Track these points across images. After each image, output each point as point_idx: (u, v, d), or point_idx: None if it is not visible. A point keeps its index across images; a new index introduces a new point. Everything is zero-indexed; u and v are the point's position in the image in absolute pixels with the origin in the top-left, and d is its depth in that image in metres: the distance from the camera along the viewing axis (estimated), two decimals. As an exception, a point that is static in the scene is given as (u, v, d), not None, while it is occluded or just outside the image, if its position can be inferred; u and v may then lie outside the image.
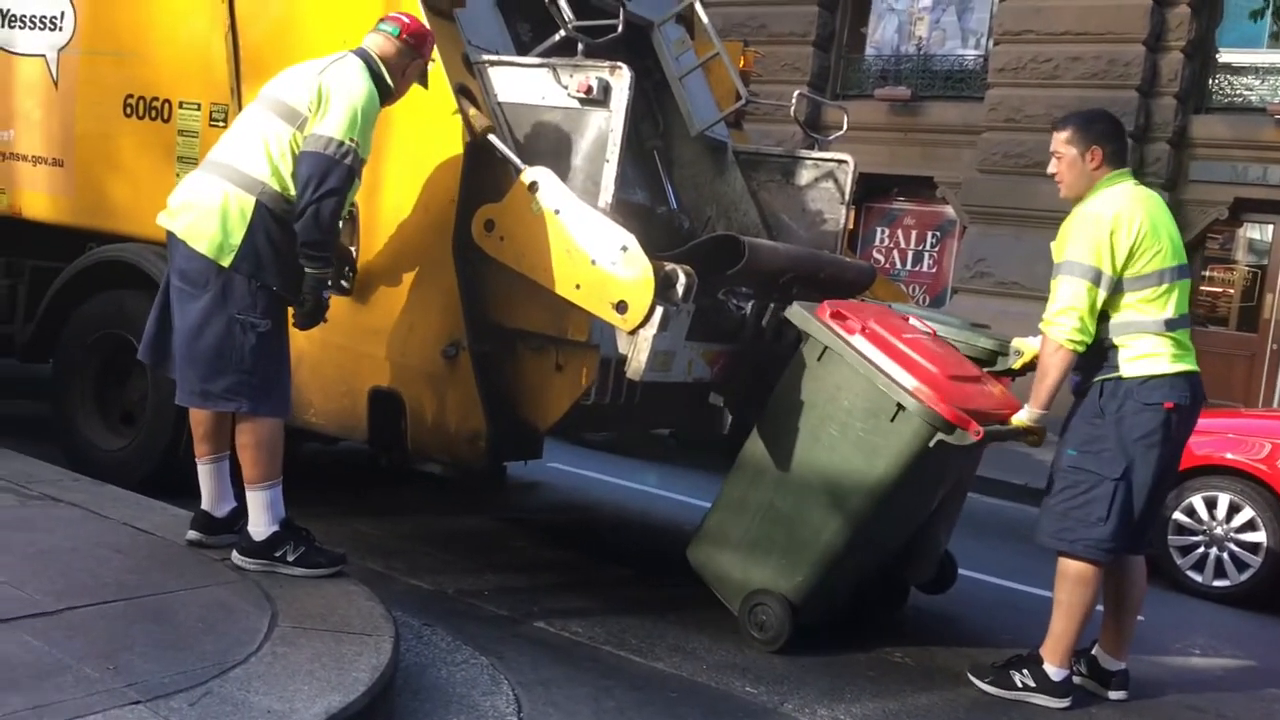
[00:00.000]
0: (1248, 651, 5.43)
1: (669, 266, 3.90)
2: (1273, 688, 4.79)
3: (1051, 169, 4.20)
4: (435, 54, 4.12)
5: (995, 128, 13.65)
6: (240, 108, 4.53)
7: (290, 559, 3.72)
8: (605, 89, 4.16)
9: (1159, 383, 3.94)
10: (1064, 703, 4.06)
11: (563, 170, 4.20)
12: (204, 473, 3.90)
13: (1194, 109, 13.46)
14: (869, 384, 4.08)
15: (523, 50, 4.85)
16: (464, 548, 5.19)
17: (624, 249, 3.84)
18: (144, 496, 4.41)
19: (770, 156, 5.87)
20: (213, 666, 2.89)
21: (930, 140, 14.67)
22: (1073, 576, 4.02)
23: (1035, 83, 13.45)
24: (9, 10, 5.52)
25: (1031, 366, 4.30)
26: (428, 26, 4.06)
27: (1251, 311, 13.43)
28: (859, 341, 4.12)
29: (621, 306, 3.82)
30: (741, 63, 6.20)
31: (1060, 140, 4.16)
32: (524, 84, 4.39)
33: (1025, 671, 4.11)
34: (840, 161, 5.61)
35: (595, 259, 3.89)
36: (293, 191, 3.68)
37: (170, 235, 3.78)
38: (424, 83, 4.07)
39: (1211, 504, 6.53)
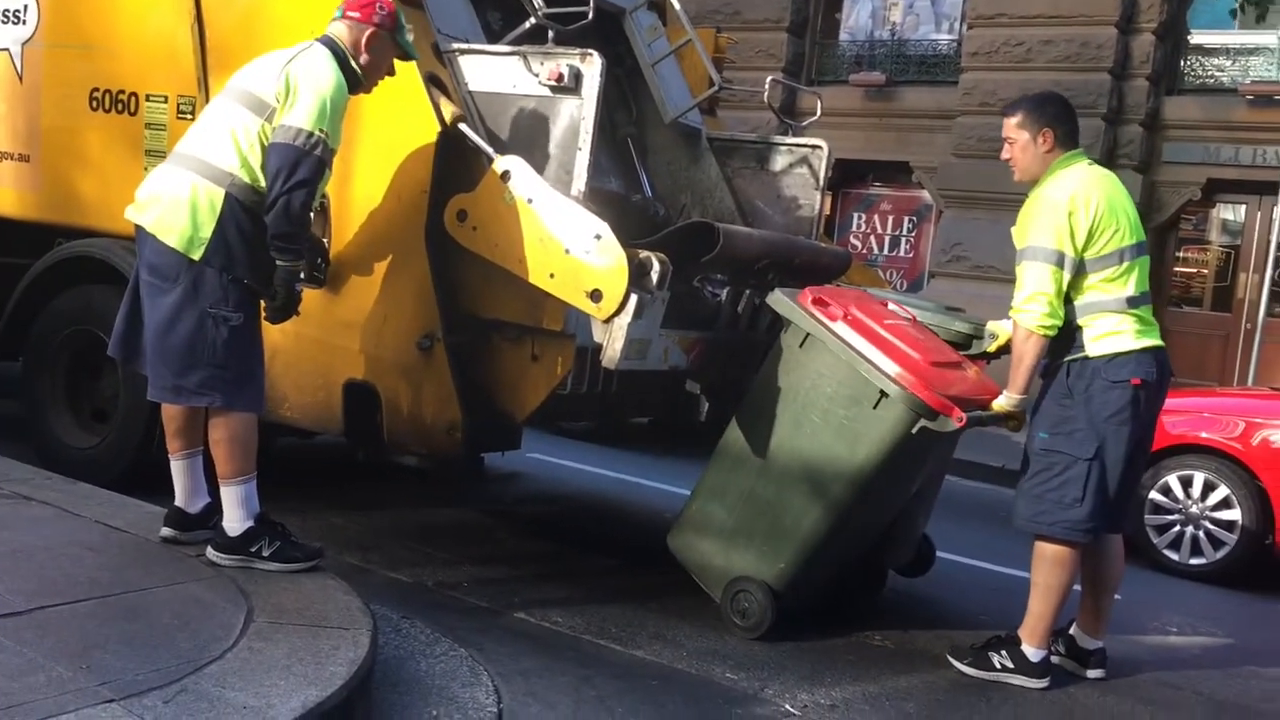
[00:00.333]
0: (1224, 628, 5.48)
1: (643, 254, 3.88)
2: (1249, 664, 4.83)
3: (1004, 154, 4.22)
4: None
5: (969, 112, 13.68)
6: (208, 99, 4.49)
7: (266, 554, 3.69)
8: (576, 76, 4.14)
9: (1125, 360, 3.96)
10: (1042, 683, 4.09)
11: (535, 159, 4.18)
12: (177, 469, 3.86)
13: (1166, 91, 13.52)
14: (851, 371, 4.08)
15: (493, 39, 4.81)
16: (443, 540, 5.17)
17: (597, 237, 3.83)
18: (117, 494, 4.37)
19: (744, 143, 5.86)
20: (187, 663, 2.86)
21: (905, 125, 14.69)
22: (1050, 558, 4.04)
23: (1008, 66, 13.48)
24: (-29, 5, 5.45)
25: (1007, 349, 4.31)
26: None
27: (1225, 291, 13.53)
28: (841, 328, 4.12)
29: (596, 295, 3.80)
30: (714, 49, 6.19)
31: (1011, 125, 4.17)
32: (495, 72, 4.36)
33: (1004, 653, 4.13)
34: (815, 147, 5.60)
35: (569, 248, 3.87)
36: (263, 183, 3.64)
37: (139, 229, 3.74)
38: (392, 70, 4.03)
39: (1187, 483, 6.58)
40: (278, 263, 3.68)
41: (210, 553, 3.71)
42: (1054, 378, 4.06)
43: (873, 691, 3.90)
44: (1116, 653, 4.49)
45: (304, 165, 3.58)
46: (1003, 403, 4.14)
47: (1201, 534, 6.50)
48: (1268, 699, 4.39)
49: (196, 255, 3.60)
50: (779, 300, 4.29)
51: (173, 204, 3.65)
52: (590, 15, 4.58)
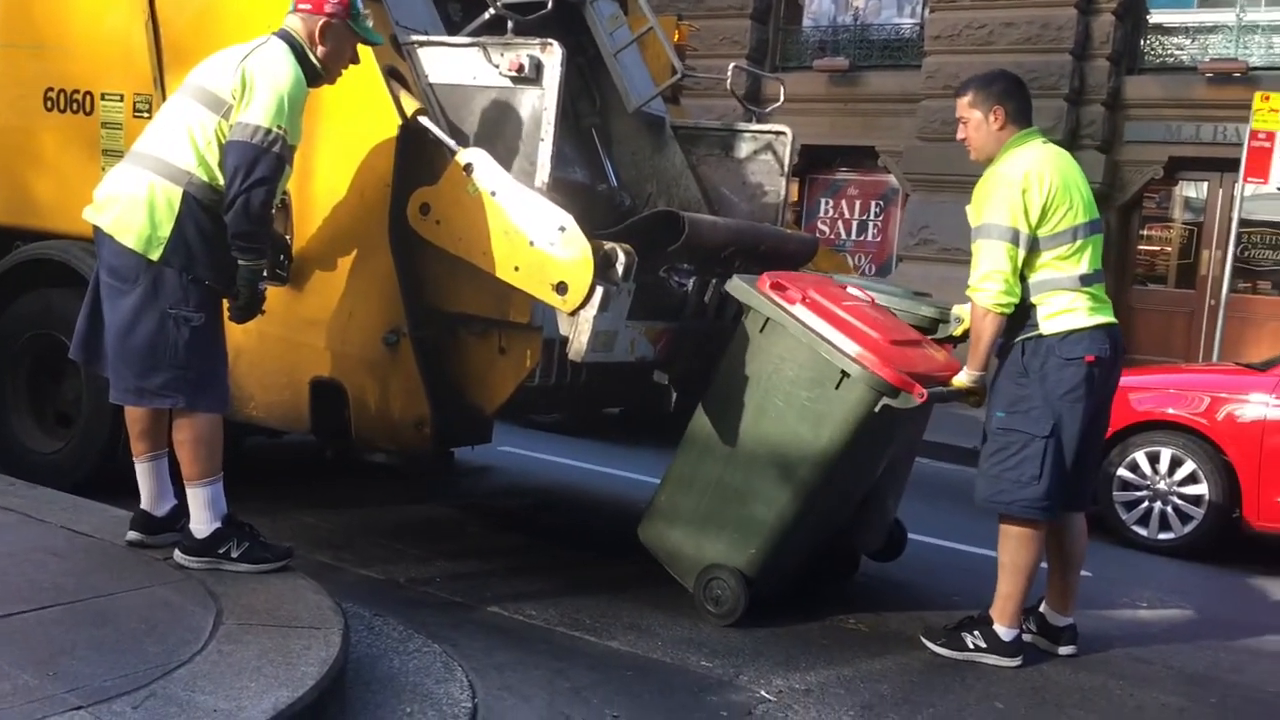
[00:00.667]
0: (1193, 602, 5.54)
1: (608, 245, 3.86)
2: (1218, 636, 4.89)
3: (959, 135, 4.25)
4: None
5: (933, 95, 13.72)
6: (164, 97, 4.43)
7: (234, 555, 3.66)
8: (537, 67, 4.11)
9: (1079, 337, 3.99)
10: (1015, 662, 4.12)
11: (498, 150, 4.15)
12: (142, 471, 3.82)
13: (1127, 70, 13.61)
14: (812, 353, 4.09)
15: (454, 31, 4.78)
16: (414, 536, 5.14)
17: (562, 229, 3.81)
18: (82, 498, 4.32)
19: (708, 130, 5.84)
20: (156, 668, 2.83)
21: (870, 110, 14.73)
22: (1014, 538, 4.07)
23: (971, 49, 13.53)
24: (-80, 5, 5.35)
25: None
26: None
27: (1189, 269, 13.66)
28: (800, 311, 4.13)
29: (561, 287, 3.79)
30: (676, 36, 6.17)
31: (963, 105, 4.20)
32: (455, 64, 4.33)
33: (976, 633, 4.16)
34: (778, 133, 5.59)
35: (533, 240, 3.85)
36: (221, 181, 3.60)
37: (97, 230, 3.69)
38: (356, 58, 3.98)
39: (1154, 459, 6.65)
40: (239, 262, 3.65)
41: (178, 555, 3.67)
42: (1008, 357, 4.08)
43: (847, 675, 3.92)
44: (1088, 629, 4.53)
45: (263, 163, 3.55)
46: (963, 379, 4.17)
47: (1169, 509, 6.57)
48: (1236, 670, 4.44)
49: (155, 255, 3.56)
50: (738, 286, 4.30)
51: (130, 204, 3.60)
52: (550, 5, 4.55)
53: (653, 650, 3.97)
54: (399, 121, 4.12)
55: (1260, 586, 6.04)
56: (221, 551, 3.66)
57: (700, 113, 6.73)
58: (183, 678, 2.80)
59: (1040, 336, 4.00)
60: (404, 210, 4.11)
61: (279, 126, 3.57)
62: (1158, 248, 14.00)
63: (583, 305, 3.78)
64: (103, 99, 4.87)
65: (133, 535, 3.82)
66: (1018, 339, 4.05)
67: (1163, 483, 6.60)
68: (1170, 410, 6.71)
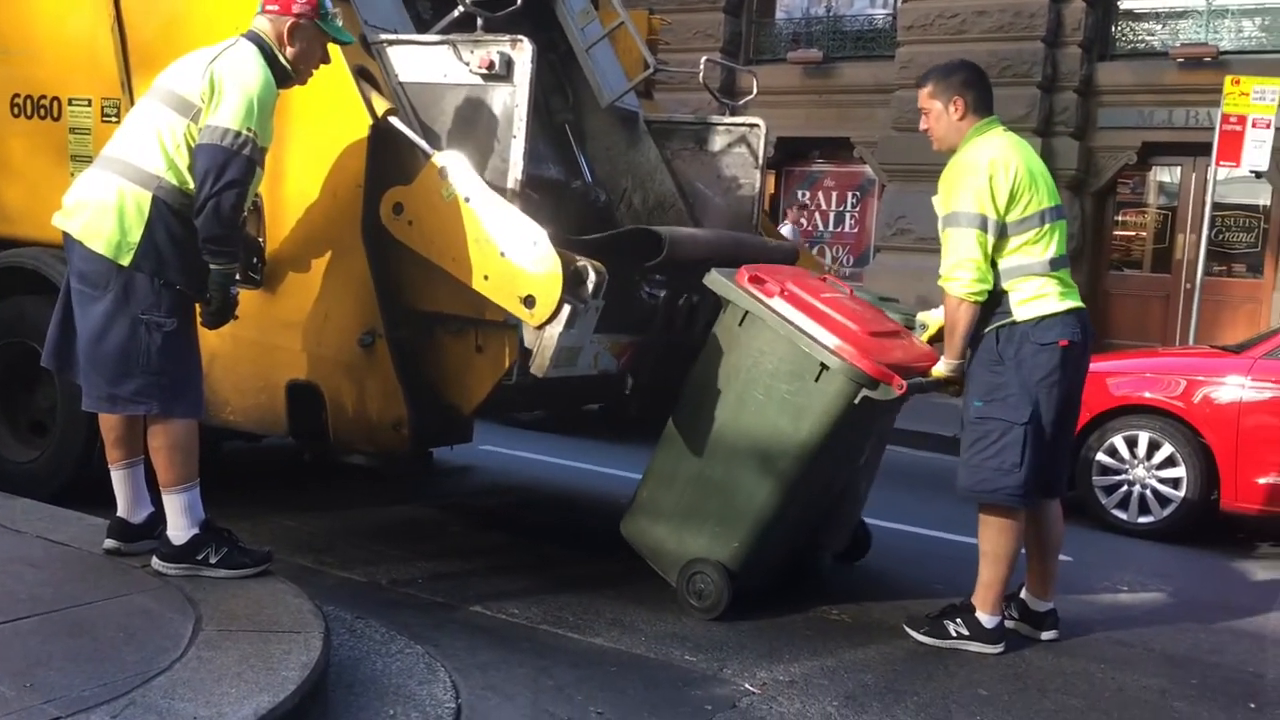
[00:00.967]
0: (1173, 584, 5.58)
1: (579, 262, 3.83)
2: (1197, 618, 4.92)
3: (922, 125, 4.27)
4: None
5: (907, 85, 13.72)
6: (133, 101, 4.40)
7: (213, 561, 3.64)
8: (508, 64, 4.10)
9: (1052, 322, 4.01)
10: (997, 649, 4.14)
11: (470, 148, 4.14)
12: (118, 479, 3.79)
13: (1098, 57, 13.69)
14: (791, 346, 4.09)
15: (423, 28, 4.75)
16: (396, 537, 5.13)
17: (534, 243, 3.79)
18: (58, 508, 4.28)
19: (682, 124, 5.84)
20: (135, 676, 2.81)
21: (845, 101, 14.77)
22: (994, 526, 4.09)
23: (944, 38, 13.57)
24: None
25: (938, 338, 4.37)
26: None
27: (1164, 253, 13.75)
28: (779, 304, 4.13)
29: (529, 301, 3.77)
30: (648, 30, 6.16)
31: (924, 96, 4.23)
32: (425, 62, 4.31)
33: (959, 620, 4.17)
34: (752, 125, 5.60)
35: (504, 251, 3.83)
36: (191, 185, 3.57)
37: (66, 236, 3.66)
38: (326, 57, 3.95)
39: (1132, 443, 6.69)
40: (211, 266, 3.62)
41: (155, 563, 3.65)
42: (982, 346, 4.10)
43: (831, 665, 3.92)
44: (1069, 613, 4.55)
45: (233, 166, 3.52)
46: (941, 369, 4.19)
47: (1148, 493, 6.61)
48: (1216, 651, 4.48)
49: (126, 261, 3.53)
50: (715, 280, 4.30)
51: (99, 209, 3.57)
52: (519, 1, 4.54)
53: (636, 646, 3.96)
54: (369, 121, 4.09)
55: (1238, 568, 6.08)
56: (200, 557, 3.64)
57: (674, 107, 6.74)
58: (162, 685, 2.78)
59: (1014, 323, 4.02)
60: (377, 211, 4.08)
61: (249, 129, 3.55)
62: (1133, 233, 14.09)
63: (549, 321, 3.77)
64: (70, 104, 4.83)
65: (110, 543, 3.79)
66: (990, 327, 4.06)
67: (1141, 467, 6.64)
68: (1147, 394, 6.75)
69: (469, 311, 4.15)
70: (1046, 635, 4.34)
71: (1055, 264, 4.05)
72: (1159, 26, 13.58)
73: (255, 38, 3.72)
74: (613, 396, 5.36)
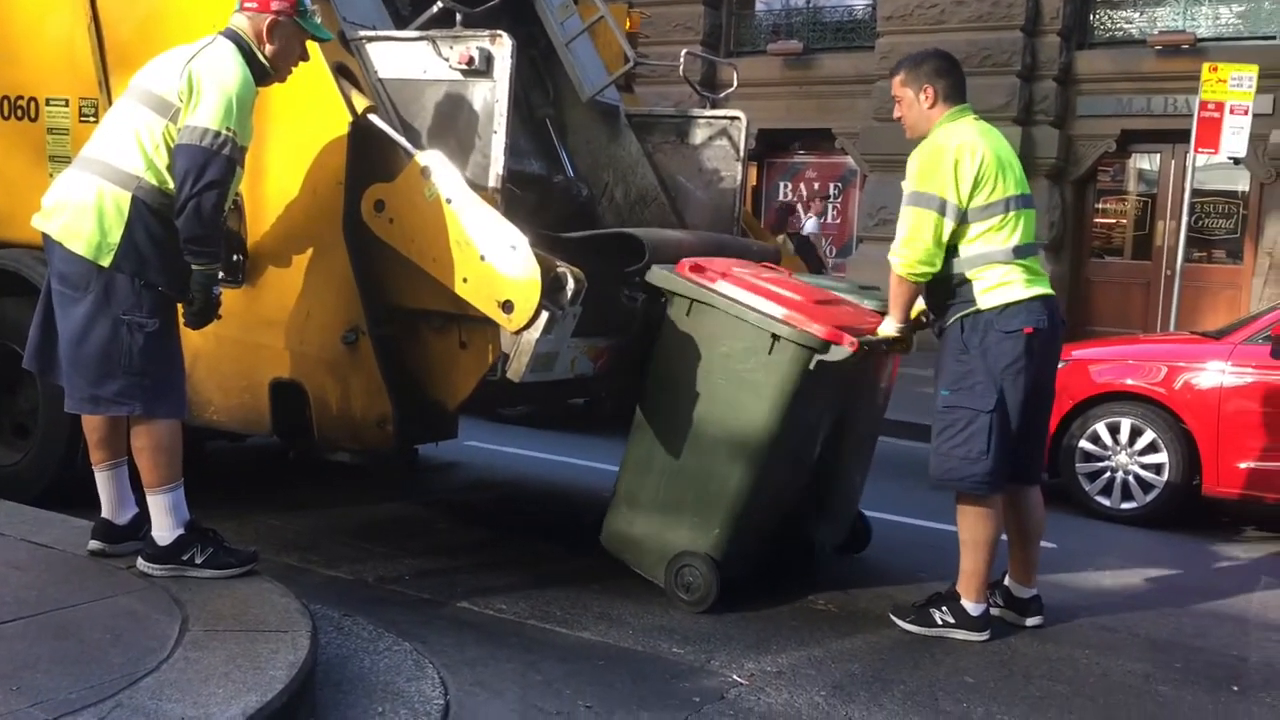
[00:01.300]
0: (1156, 569, 5.62)
1: (559, 269, 3.83)
2: (1180, 603, 4.96)
3: (895, 114, 4.31)
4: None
5: (887, 76, 13.77)
6: (110, 101, 4.37)
7: (198, 561, 3.63)
8: (487, 59, 4.10)
9: (1016, 309, 4.03)
10: (983, 636, 4.16)
11: (451, 144, 4.13)
12: (102, 480, 3.78)
13: (1077, 45, 13.74)
14: (741, 324, 4.14)
15: (402, 24, 4.74)
16: (382, 534, 5.12)
17: (513, 248, 3.79)
18: (41, 510, 4.27)
19: (663, 118, 5.85)
20: (122, 678, 2.81)
21: (825, 92, 14.78)
22: (970, 513, 4.13)
23: (923, 28, 13.61)
24: None
25: (918, 324, 4.39)
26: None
27: (1145, 240, 13.82)
28: (723, 286, 4.19)
29: (507, 306, 3.78)
30: (628, 24, 6.15)
31: (896, 84, 4.27)
32: (404, 59, 4.30)
33: (944, 608, 4.20)
34: (733, 118, 5.61)
35: (484, 254, 3.83)
36: (171, 185, 3.56)
37: (46, 237, 3.64)
38: (305, 55, 3.94)
39: (1115, 429, 6.73)
40: (193, 266, 3.60)
41: (141, 564, 3.64)
42: (949, 335, 4.13)
43: (818, 655, 3.94)
44: (1054, 599, 4.58)
45: (213, 166, 3.50)
46: (886, 328, 4.23)
47: (1131, 479, 6.65)
48: (1199, 635, 4.51)
49: (106, 262, 3.51)
50: (659, 275, 4.32)
51: (79, 210, 3.56)
52: (498, -4, 4.53)
53: (624, 639, 3.97)
54: (349, 119, 4.08)
55: (1220, 552, 6.13)
56: (185, 558, 3.63)
57: (655, 100, 6.74)
58: (149, 687, 2.78)
59: (978, 312, 4.04)
60: (358, 208, 4.08)
61: (228, 128, 3.53)
62: (1113, 220, 14.16)
63: (526, 326, 3.77)
64: (48, 104, 4.80)
65: (94, 545, 3.77)
66: (955, 317, 4.09)
67: (1123, 453, 6.68)
68: (1129, 381, 6.79)
69: (452, 308, 4.14)
70: (1031, 621, 4.37)
71: (1020, 251, 4.06)
72: (1137, 14, 13.64)
73: (233, 35, 3.71)
74: (597, 391, 5.38)
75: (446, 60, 4.16)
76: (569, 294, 3.82)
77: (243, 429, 4.63)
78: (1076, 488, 6.77)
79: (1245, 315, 8.58)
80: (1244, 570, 5.77)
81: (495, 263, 3.81)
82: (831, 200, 15.60)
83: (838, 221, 15.57)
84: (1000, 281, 4.02)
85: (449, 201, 3.90)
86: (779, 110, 14.33)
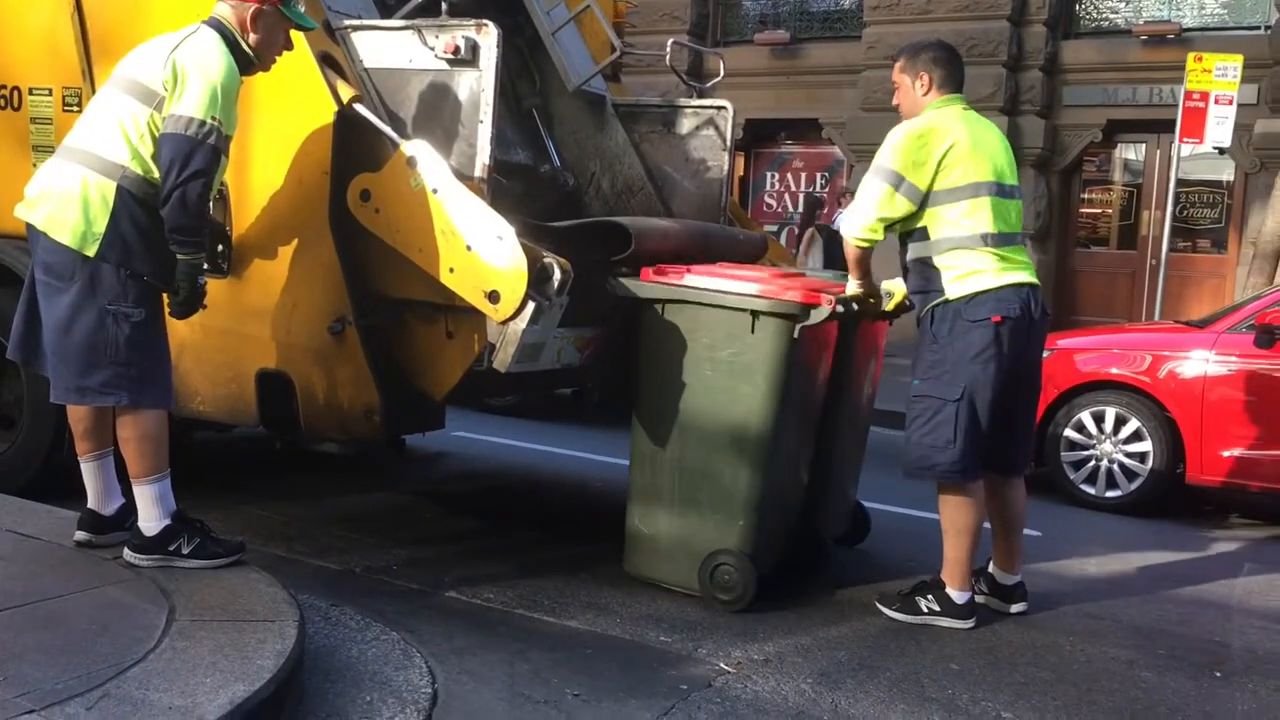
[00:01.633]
0: (1140, 557, 5.65)
1: (546, 259, 3.82)
2: (1164, 589, 5.00)
3: (894, 100, 4.36)
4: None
5: (874, 65, 13.78)
6: (94, 90, 4.34)
7: (185, 552, 3.63)
8: (473, 48, 4.09)
9: (984, 298, 4.04)
10: (968, 623, 4.19)
11: (437, 134, 4.12)
12: (88, 471, 3.77)
13: (1063, 35, 13.77)
14: (718, 311, 4.16)
15: (387, 14, 4.72)
16: (370, 525, 5.12)
17: (499, 238, 3.79)
18: (27, 501, 4.26)
19: (650, 107, 5.84)
20: (109, 668, 2.81)
21: (812, 82, 14.78)
22: (949, 501, 4.17)
23: (910, 18, 13.62)
24: None
25: (904, 307, 4.42)
26: None
27: (1130, 230, 13.88)
28: (691, 279, 4.23)
29: (494, 296, 3.77)
30: (614, 14, 6.15)
31: (896, 70, 4.33)
32: (390, 48, 4.29)
33: (930, 596, 4.22)
34: (719, 108, 5.61)
35: (470, 244, 3.82)
36: (156, 175, 3.54)
37: (30, 227, 3.62)
38: (289, 44, 3.92)
39: (1099, 418, 6.77)
40: (178, 256, 3.59)
41: (127, 554, 3.63)
42: (921, 327, 4.18)
43: (805, 643, 3.96)
44: (1039, 587, 4.61)
45: (198, 155, 3.49)
46: (852, 288, 4.30)
47: (1115, 467, 6.70)
48: (1183, 622, 4.55)
49: (91, 251, 3.50)
50: (625, 285, 4.30)
51: (63, 200, 3.54)
52: (483, -15, 4.52)
53: (611, 628, 3.99)
54: (335, 108, 4.07)
55: (1204, 539, 6.17)
56: (172, 548, 3.63)
57: (641, 90, 6.73)
58: (136, 676, 2.78)
59: (947, 302, 4.07)
60: (344, 197, 4.06)
61: (213, 118, 3.52)
62: (1099, 210, 14.21)
63: (513, 317, 3.77)
64: (31, 94, 4.78)
65: (81, 535, 3.77)
66: (926, 308, 4.13)
67: (1108, 442, 6.72)
68: (1114, 370, 6.82)
69: (439, 298, 4.13)
70: (1015, 608, 4.40)
71: (991, 240, 4.05)
72: (1122, 4, 13.67)
73: (217, 24, 3.69)
74: (584, 381, 5.38)
75: (432, 49, 4.15)
76: (556, 284, 3.82)
77: (229, 419, 4.62)
78: (1061, 476, 6.81)
79: (1229, 304, 8.62)
80: (1227, 557, 5.82)
81: (481, 253, 3.80)
82: (818, 190, 15.60)
83: (824, 211, 15.57)
84: (969, 270, 4.04)
85: (435, 191, 3.89)
86: (766, 100, 14.33)
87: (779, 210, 15.69)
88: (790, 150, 15.76)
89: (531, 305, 3.76)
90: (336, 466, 6.10)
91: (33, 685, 2.67)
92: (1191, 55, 10.77)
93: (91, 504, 3.79)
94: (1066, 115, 13.69)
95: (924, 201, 4.04)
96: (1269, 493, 6.46)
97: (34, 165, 4.50)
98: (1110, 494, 6.70)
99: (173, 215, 3.51)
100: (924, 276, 4.13)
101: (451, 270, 3.86)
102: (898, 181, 4.02)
